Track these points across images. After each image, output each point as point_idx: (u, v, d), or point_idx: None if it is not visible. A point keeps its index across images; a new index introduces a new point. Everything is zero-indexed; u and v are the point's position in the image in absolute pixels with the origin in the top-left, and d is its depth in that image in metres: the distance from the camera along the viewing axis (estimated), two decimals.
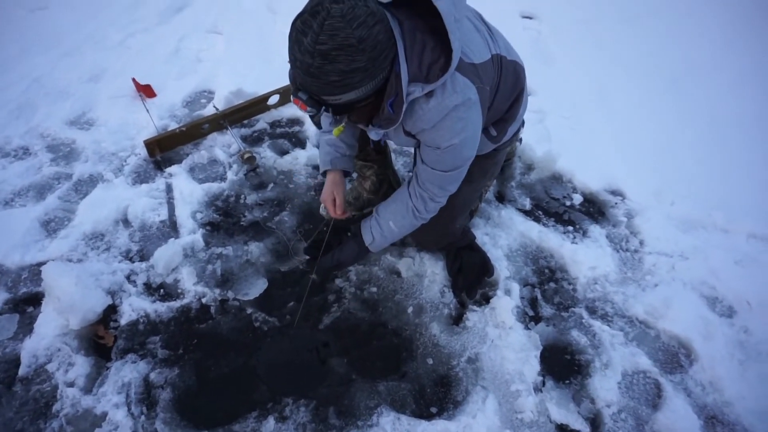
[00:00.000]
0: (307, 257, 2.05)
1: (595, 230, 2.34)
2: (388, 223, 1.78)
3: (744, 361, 1.89)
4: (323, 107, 1.32)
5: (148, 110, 2.78)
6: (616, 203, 2.47)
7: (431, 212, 1.73)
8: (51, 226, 2.27)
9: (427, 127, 1.44)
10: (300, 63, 1.22)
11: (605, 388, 1.81)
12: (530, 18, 3.85)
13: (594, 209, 2.46)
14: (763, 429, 1.71)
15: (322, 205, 2.31)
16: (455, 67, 1.34)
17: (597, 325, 2.00)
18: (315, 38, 1.17)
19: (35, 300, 1.99)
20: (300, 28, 1.20)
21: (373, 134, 1.58)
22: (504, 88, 1.64)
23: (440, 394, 1.81)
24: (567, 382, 1.86)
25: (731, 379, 1.83)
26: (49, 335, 1.85)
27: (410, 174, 2.50)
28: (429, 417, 1.74)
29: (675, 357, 1.94)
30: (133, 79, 2.95)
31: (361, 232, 1.85)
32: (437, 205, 1.71)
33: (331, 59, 1.18)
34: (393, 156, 2.42)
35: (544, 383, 1.84)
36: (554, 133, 2.76)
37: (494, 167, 2.00)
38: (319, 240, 1.95)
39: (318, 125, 1.97)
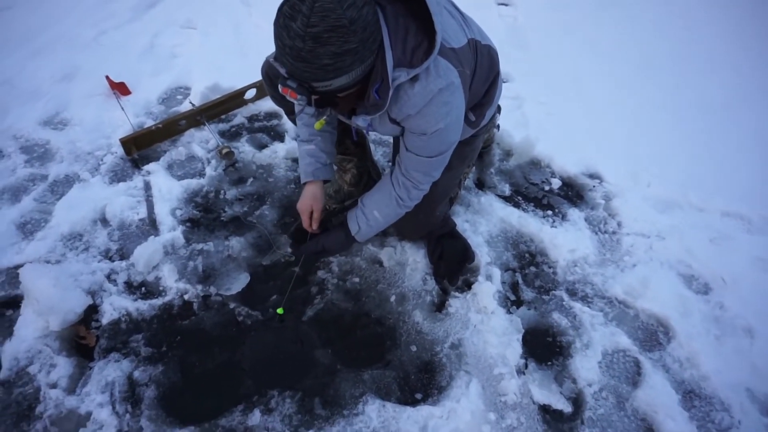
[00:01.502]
0: (290, 250, 2.04)
1: (574, 213, 2.37)
2: (372, 212, 1.78)
3: (720, 336, 1.93)
4: (312, 96, 1.30)
5: (123, 108, 2.75)
6: (594, 186, 2.50)
7: (415, 200, 1.74)
8: (27, 228, 2.24)
9: (413, 113, 1.44)
10: (290, 49, 1.20)
11: (586, 367, 1.84)
12: (506, 5, 3.86)
13: (572, 193, 2.49)
14: (739, 401, 1.76)
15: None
16: (437, 52, 1.34)
17: (577, 306, 2.03)
18: (306, 21, 1.15)
19: (14, 303, 1.96)
20: (288, 13, 1.18)
21: (361, 121, 1.56)
22: (480, 73, 1.65)
23: (424, 380, 1.83)
24: (549, 363, 1.89)
25: (707, 354, 1.87)
26: (30, 337, 1.83)
27: (390, 164, 2.51)
28: (414, 403, 1.76)
29: (653, 335, 1.97)
30: (107, 77, 2.91)
31: (348, 222, 1.85)
32: (421, 193, 1.72)
33: (323, 41, 1.17)
34: (372, 147, 2.42)
35: (526, 366, 1.86)
36: (532, 119, 2.78)
37: (472, 153, 2.02)
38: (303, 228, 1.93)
39: (295, 122, 1.95)
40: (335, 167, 2.28)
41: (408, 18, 1.34)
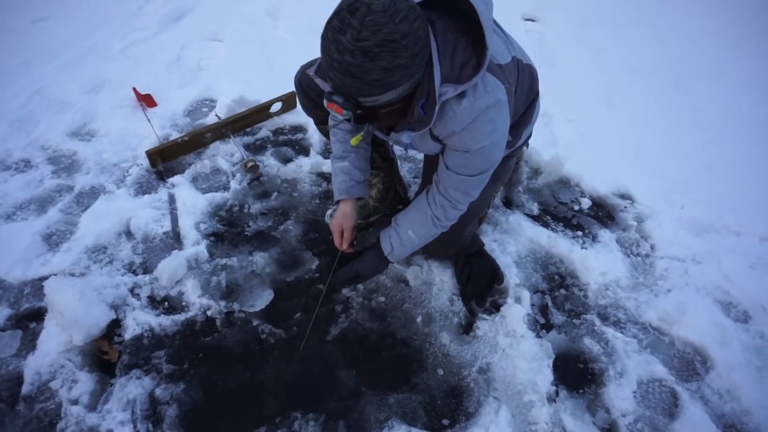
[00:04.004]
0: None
1: (605, 235, 2.30)
2: (407, 232, 1.73)
3: (762, 368, 1.85)
4: (357, 110, 1.27)
5: (149, 120, 2.75)
6: (625, 207, 2.43)
7: (451, 220, 1.69)
8: (53, 240, 2.23)
9: (458, 130, 1.40)
10: (338, 63, 1.17)
11: (620, 397, 1.77)
12: (533, 20, 3.82)
13: (603, 213, 2.43)
14: None
15: (328, 212, 2.29)
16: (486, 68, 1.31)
17: (610, 332, 1.97)
18: (356, 35, 1.12)
19: (38, 316, 1.95)
20: (337, 27, 1.14)
21: (405, 137, 1.52)
22: (521, 92, 1.61)
23: (452, 405, 1.77)
24: (581, 391, 1.82)
25: (749, 387, 1.79)
26: (53, 352, 1.81)
27: (417, 180, 2.48)
28: (441, 429, 1.70)
29: (691, 364, 1.90)
30: (134, 89, 2.93)
31: (380, 242, 1.80)
32: (458, 213, 1.67)
33: (373, 56, 1.14)
34: (398, 163, 2.39)
35: (557, 393, 1.80)
36: (560, 137, 2.73)
37: (505, 174, 1.97)
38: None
39: (324, 133, 1.92)
40: None
41: (457, 33, 1.31)
